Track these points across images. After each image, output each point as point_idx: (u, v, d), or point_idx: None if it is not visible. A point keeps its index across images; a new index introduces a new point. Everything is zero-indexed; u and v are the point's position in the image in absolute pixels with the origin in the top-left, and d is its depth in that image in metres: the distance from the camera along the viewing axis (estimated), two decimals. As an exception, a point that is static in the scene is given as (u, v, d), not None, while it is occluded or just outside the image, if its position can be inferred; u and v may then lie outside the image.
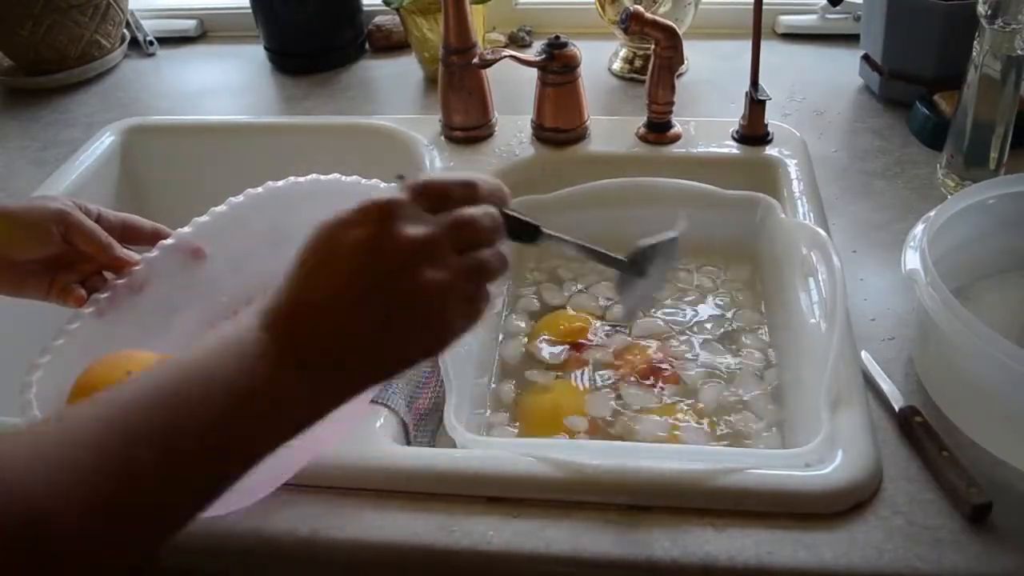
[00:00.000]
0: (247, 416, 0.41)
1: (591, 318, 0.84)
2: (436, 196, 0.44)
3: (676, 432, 0.71)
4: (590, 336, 0.81)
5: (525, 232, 0.49)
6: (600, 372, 0.77)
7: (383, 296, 0.42)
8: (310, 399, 0.42)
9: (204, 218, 0.75)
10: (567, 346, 0.80)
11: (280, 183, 0.78)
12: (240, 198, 0.77)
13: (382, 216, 0.42)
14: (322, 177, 0.78)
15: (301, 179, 0.78)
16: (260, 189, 0.78)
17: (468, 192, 0.45)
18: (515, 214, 0.48)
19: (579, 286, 0.88)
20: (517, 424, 0.74)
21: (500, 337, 0.83)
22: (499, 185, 0.47)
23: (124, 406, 0.40)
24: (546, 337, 0.81)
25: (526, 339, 0.82)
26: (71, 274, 0.67)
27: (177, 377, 0.41)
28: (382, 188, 0.77)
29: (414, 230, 0.42)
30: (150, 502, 0.39)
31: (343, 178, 0.78)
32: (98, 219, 0.68)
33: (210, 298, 0.76)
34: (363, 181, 0.78)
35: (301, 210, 0.79)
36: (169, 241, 0.71)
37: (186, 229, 0.74)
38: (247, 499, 0.60)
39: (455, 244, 0.43)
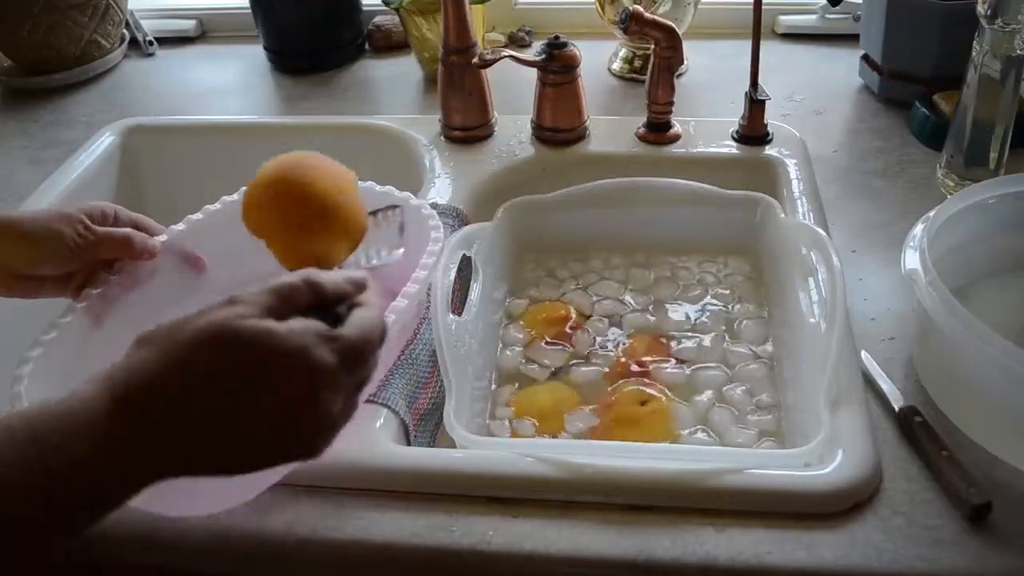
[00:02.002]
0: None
1: (576, 312, 0.84)
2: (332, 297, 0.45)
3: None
4: (579, 328, 0.81)
5: None
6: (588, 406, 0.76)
7: (276, 429, 0.42)
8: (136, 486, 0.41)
9: (198, 216, 0.75)
10: (562, 345, 0.80)
11: None
12: (235, 196, 0.77)
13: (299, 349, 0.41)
14: None
15: None
16: None
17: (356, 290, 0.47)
18: None
19: (577, 284, 0.88)
20: (515, 420, 0.74)
21: (500, 337, 0.83)
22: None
23: None
24: (543, 336, 0.81)
25: (525, 339, 0.82)
26: (86, 272, 0.68)
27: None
28: (376, 191, 0.77)
29: (325, 360, 0.42)
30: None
31: None
32: (115, 220, 0.68)
33: (202, 296, 0.76)
34: (359, 183, 0.78)
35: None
36: (162, 238, 0.71)
37: (180, 226, 0.74)
38: (237, 499, 0.60)
39: (349, 370, 0.44)
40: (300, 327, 0.42)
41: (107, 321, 0.67)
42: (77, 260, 0.66)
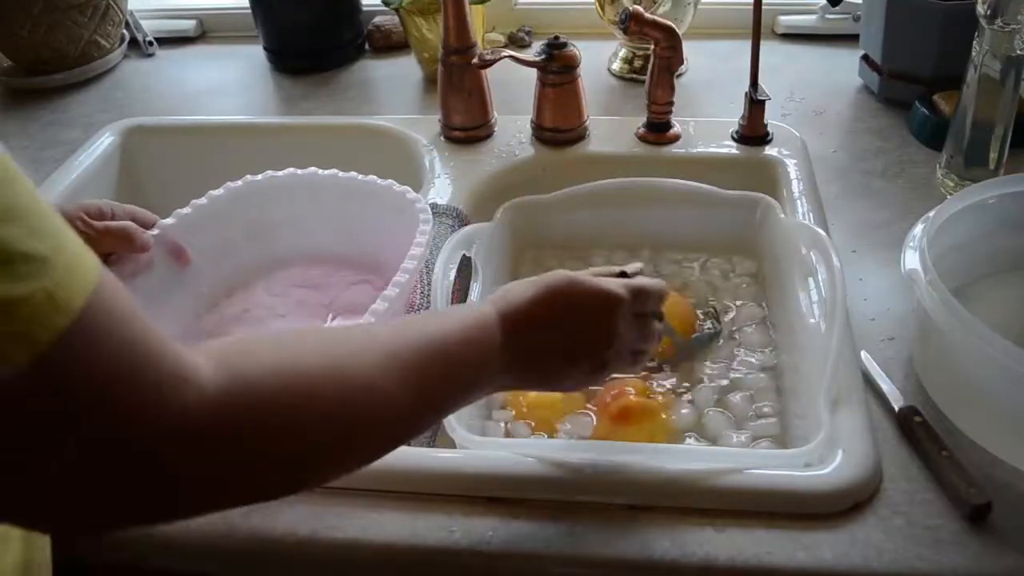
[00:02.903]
0: (471, 388, 0.53)
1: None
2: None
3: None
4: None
5: None
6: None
7: (584, 351, 0.57)
8: (491, 389, 0.56)
9: (186, 210, 0.75)
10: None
11: (258, 177, 0.79)
12: (219, 191, 0.77)
13: (616, 303, 0.58)
14: (298, 171, 0.79)
15: (278, 173, 0.79)
16: (239, 182, 0.78)
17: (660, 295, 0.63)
18: None
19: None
20: (513, 421, 0.74)
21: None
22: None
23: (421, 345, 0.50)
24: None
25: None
26: None
27: (453, 339, 0.52)
28: (358, 181, 0.77)
29: (618, 290, 0.58)
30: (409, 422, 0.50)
31: (319, 171, 0.78)
32: (112, 217, 0.69)
33: (192, 289, 0.76)
34: (340, 174, 0.78)
35: (278, 203, 0.80)
36: (155, 232, 0.71)
37: (169, 220, 0.74)
38: None
39: (635, 303, 0.59)
40: (603, 278, 0.59)
41: None
42: None
